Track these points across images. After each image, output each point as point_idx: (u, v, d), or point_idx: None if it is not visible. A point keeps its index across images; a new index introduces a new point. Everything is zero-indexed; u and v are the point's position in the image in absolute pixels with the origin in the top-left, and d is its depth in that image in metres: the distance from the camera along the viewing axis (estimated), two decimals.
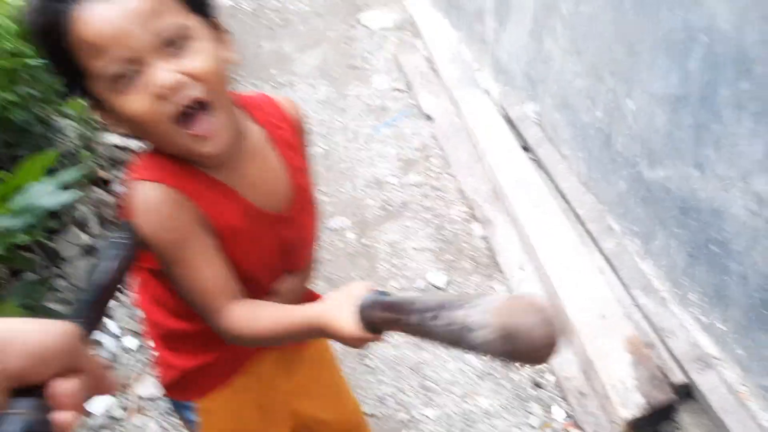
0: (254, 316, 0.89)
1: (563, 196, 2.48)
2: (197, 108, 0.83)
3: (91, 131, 2.93)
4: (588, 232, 2.26)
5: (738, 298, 1.68)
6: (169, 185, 0.87)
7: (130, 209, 0.87)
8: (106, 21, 0.77)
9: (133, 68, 0.79)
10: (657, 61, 1.90)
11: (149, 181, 0.87)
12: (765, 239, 1.56)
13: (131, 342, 2.17)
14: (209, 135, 0.85)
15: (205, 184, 0.91)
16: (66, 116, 2.69)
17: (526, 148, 2.89)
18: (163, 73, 0.79)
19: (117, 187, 2.90)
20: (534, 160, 2.81)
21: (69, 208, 2.47)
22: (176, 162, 0.89)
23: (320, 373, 1.27)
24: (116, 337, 2.18)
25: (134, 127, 0.85)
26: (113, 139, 3.09)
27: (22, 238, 1.90)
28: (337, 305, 0.80)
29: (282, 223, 1.00)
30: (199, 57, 0.82)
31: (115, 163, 3.02)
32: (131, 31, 0.78)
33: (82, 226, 2.54)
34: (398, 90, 3.92)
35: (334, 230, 2.76)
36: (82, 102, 2.34)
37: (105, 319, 2.22)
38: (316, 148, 3.41)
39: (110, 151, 3.03)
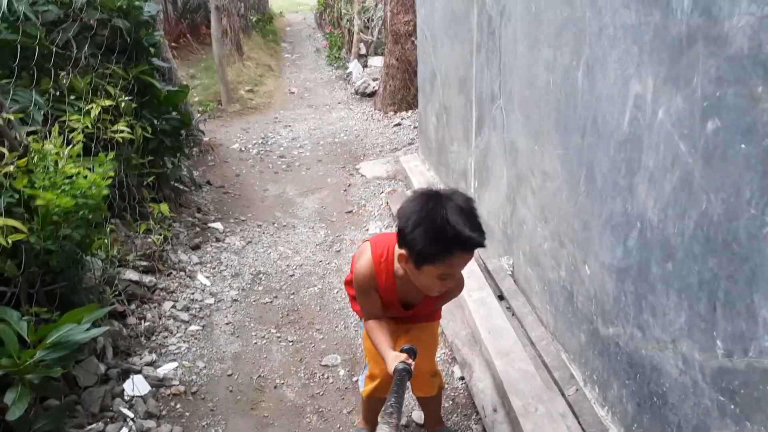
0: (374, 327, 1.98)
1: (533, 344, 2.78)
2: None
3: (113, 268, 3.27)
4: (553, 379, 2.54)
5: None
6: (374, 268, 1.93)
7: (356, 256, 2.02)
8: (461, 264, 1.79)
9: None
10: (604, 237, 2.28)
11: (371, 259, 1.93)
12: (693, 395, 1.86)
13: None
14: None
15: (390, 280, 1.95)
16: (93, 254, 3.03)
17: (501, 297, 3.24)
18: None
19: (131, 319, 3.19)
20: (509, 308, 3.14)
21: (90, 340, 2.75)
22: (389, 266, 1.95)
23: (421, 333, 2.17)
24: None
25: (415, 276, 1.80)
26: (131, 275, 3.42)
27: (58, 371, 2.17)
28: (392, 358, 1.81)
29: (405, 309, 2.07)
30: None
31: (130, 297, 3.33)
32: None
33: (100, 356, 2.80)
34: None
35: (327, 366, 3.03)
36: (105, 241, 2.79)
37: None
38: (312, 288, 3.74)
39: (127, 286, 3.34)
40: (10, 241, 2.26)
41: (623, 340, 2.23)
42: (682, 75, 1.74)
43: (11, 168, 2.38)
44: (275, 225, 4.70)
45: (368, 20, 9.78)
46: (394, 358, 1.80)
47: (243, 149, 6.55)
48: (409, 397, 2.60)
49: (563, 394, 2.46)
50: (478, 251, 3.65)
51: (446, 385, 2.82)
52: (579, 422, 2.32)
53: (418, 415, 2.63)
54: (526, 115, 2.96)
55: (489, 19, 3.38)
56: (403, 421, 2.63)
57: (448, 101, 4.49)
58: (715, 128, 1.61)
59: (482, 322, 2.86)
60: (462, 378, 2.81)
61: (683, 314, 1.87)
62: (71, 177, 2.59)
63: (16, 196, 2.44)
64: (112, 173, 2.77)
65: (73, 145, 3.03)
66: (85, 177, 2.57)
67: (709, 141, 1.64)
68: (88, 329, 2.29)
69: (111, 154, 3.02)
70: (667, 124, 1.84)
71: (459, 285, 2.17)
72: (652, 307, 2.02)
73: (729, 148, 1.56)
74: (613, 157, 2.19)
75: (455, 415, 2.61)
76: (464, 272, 3.18)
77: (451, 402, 2.68)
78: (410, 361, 1.80)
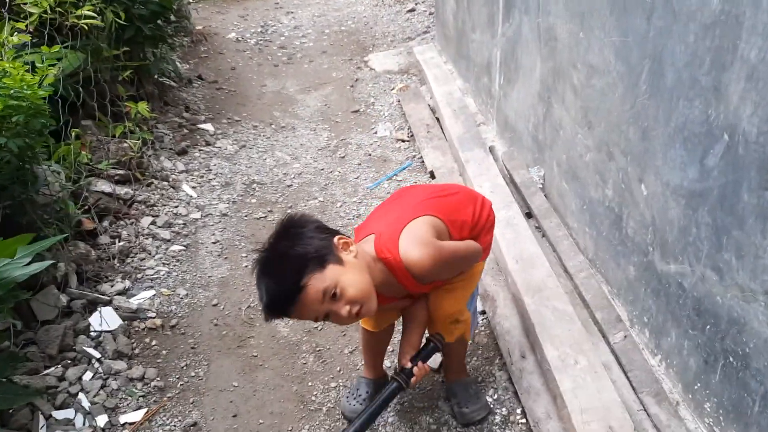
0: None
1: (569, 275, 2.35)
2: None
3: (82, 178, 2.82)
4: (595, 320, 2.12)
5: (759, 420, 1.54)
6: None
7: None
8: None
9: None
10: (672, 150, 1.78)
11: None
12: None
13: (102, 420, 2.03)
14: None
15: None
16: (48, 164, 2.57)
17: (529, 215, 2.77)
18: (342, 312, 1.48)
19: (103, 239, 2.78)
20: (538, 228, 2.68)
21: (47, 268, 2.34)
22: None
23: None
24: (88, 413, 2.04)
25: None
26: (103, 186, 2.98)
27: None
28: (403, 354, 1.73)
29: (395, 300, 1.74)
30: (347, 291, 1.47)
31: (102, 212, 2.90)
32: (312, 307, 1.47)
33: (61, 285, 2.41)
34: (401, 140, 3.81)
35: None
36: (69, 147, 2.18)
37: (80, 395, 2.08)
38: (313, 201, 3.29)
39: (99, 199, 2.91)
40: None
41: (689, 282, 1.78)
42: None
43: None
44: (273, 126, 4.19)
45: None
46: (402, 356, 1.73)
47: (240, 39, 5.91)
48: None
49: (607, 341, 2.05)
50: (502, 160, 3.15)
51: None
52: (627, 377, 1.91)
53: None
54: None
55: None
56: None
57: None
58: None
59: (509, 248, 2.40)
60: (483, 312, 2.40)
61: None
62: (4, 72, 2.08)
63: None
64: (53, 70, 2.25)
65: (17, 33, 2.51)
66: (20, 74, 2.06)
67: None
68: (28, 264, 1.87)
69: (56, 48, 2.49)
70: None
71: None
72: (738, 246, 1.55)
73: None
74: (694, 45, 1.64)
75: (475, 358, 2.22)
76: (487, 186, 2.70)
77: (471, 342, 2.28)
78: (411, 370, 1.68)
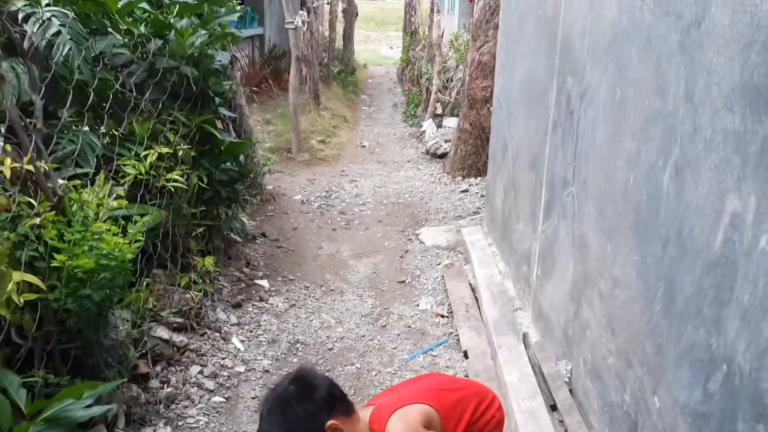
0: None
1: None
2: None
3: (144, 323, 3.10)
4: None
5: None
6: None
7: None
8: None
9: None
10: (681, 370, 1.93)
11: None
12: None
13: None
14: None
15: None
16: (121, 309, 2.87)
17: (554, 408, 2.87)
18: None
19: (153, 383, 3.00)
20: (561, 422, 2.77)
21: None
22: None
23: None
24: None
25: None
26: (162, 333, 3.25)
27: None
28: None
29: None
30: None
31: (157, 357, 3.15)
32: None
33: (110, 425, 2.61)
34: (441, 315, 4.02)
35: None
36: (140, 295, 2.51)
37: None
38: (350, 366, 3.47)
39: (156, 345, 3.17)
40: (22, 300, 2.11)
41: None
42: None
43: (37, 220, 2.25)
44: (323, 288, 4.48)
45: (447, 80, 9.65)
46: None
47: (305, 201, 6.43)
48: None
49: None
50: (534, 349, 3.30)
51: None
52: None
53: None
54: (600, 210, 2.65)
55: (568, 98, 3.10)
56: None
57: (518, 177, 4.20)
58: None
59: None
60: None
61: None
62: (101, 234, 2.44)
63: (41, 249, 2.31)
64: (141, 237, 2.61)
65: (115, 198, 2.92)
66: (115, 234, 2.42)
67: None
68: (89, 405, 2.10)
69: (147, 217, 2.89)
70: None
71: None
72: None
73: None
74: (699, 278, 1.85)
75: None
76: (516, 375, 2.84)
77: None
78: None
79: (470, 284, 4.27)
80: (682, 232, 1.96)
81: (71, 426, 2.03)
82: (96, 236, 2.39)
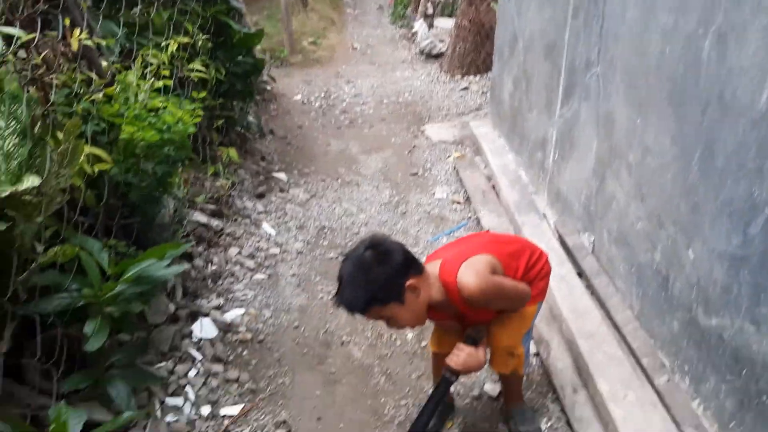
0: None
1: (617, 328, 2.65)
2: None
3: (184, 208, 3.21)
4: (641, 366, 2.41)
5: None
6: None
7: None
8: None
9: None
10: (719, 222, 2.11)
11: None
12: None
13: (205, 410, 2.34)
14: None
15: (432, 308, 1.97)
16: (169, 192, 2.97)
17: (580, 275, 3.09)
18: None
19: (198, 261, 3.14)
20: (588, 286, 3.00)
21: None
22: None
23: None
24: (194, 403, 2.35)
25: None
26: (199, 217, 3.36)
27: (138, 307, 2.12)
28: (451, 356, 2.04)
29: (453, 319, 2.12)
30: (397, 323, 1.90)
31: (198, 239, 3.28)
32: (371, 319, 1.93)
33: (170, 295, 2.76)
34: (458, 203, 4.19)
35: None
36: (181, 180, 2.65)
37: (187, 387, 2.40)
38: None
39: (195, 228, 3.29)
40: (95, 170, 2.19)
41: (729, 333, 2.08)
42: None
43: (99, 95, 2.30)
44: (339, 181, 4.60)
45: None
46: (450, 358, 2.03)
47: (305, 101, 6.44)
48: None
49: (652, 383, 2.33)
50: (555, 226, 3.50)
51: None
52: (670, 413, 2.19)
53: (490, 387, 2.54)
54: (630, 85, 2.76)
55: None
56: (476, 392, 2.53)
57: (530, 67, 4.28)
58: None
59: (563, 301, 2.72)
60: (537, 354, 2.69)
61: None
62: (156, 111, 2.50)
63: (102, 124, 2.37)
64: (201, 112, 2.68)
65: (156, 79, 2.95)
66: (172, 112, 2.48)
67: None
68: (168, 266, 2.23)
69: (203, 93, 2.94)
70: None
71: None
72: None
73: None
74: (743, 136, 2.00)
75: (530, 392, 2.50)
76: (542, 247, 3.05)
77: (524, 378, 2.57)
78: (457, 371, 2.01)
79: (484, 174, 4.42)
80: (723, 95, 2.10)
81: (154, 284, 2.17)
82: (152, 112, 2.44)
